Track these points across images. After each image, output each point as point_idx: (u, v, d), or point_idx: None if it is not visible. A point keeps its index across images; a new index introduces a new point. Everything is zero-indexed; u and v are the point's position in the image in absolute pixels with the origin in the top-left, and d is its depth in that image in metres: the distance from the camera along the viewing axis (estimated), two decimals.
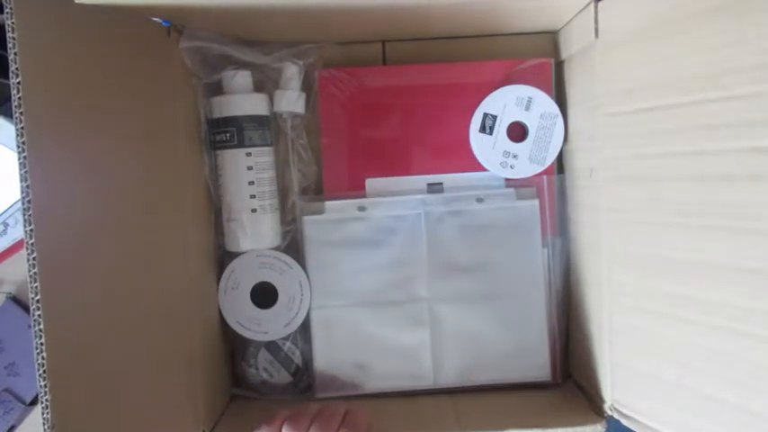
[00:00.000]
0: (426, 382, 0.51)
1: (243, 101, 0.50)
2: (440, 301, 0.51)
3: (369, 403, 0.50)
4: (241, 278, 0.51)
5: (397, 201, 0.51)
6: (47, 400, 0.29)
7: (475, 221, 0.50)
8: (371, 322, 0.51)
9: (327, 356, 0.51)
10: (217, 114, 0.50)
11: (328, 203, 0.51)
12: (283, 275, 0.51)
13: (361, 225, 0.51)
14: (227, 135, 0.49)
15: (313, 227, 0.51)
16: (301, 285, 0.51)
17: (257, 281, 0.51)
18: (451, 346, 0.51)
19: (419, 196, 0.51)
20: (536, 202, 0.51)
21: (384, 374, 0.51)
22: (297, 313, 0.51)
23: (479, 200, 0.51)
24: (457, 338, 0.51)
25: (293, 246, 0.53)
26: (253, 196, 0.50)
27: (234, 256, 0.51)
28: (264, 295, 0.51)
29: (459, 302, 0.51)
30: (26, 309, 0.59)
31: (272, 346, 0.52)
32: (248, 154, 0.50)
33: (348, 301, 0.51)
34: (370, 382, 0.51)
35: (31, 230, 0.28)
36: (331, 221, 0.51)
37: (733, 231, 0.31)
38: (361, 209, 0.51)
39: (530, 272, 0.51)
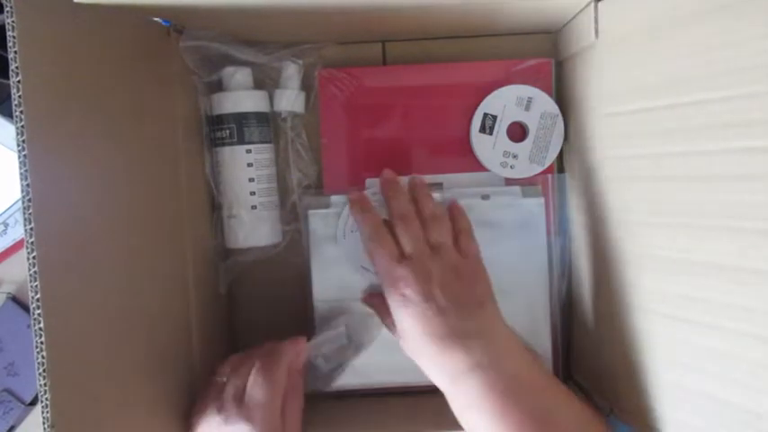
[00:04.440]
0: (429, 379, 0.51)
1: (243, 97, 0.50)
2: None
3: (370, 400, 0.50)
4: None
5: None
6: (47, 399, 0.29)
7: (480, 218, 0.50)
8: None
9: None
10: (216, 111, 0.50)
11: (334, 197, 0.50)
12: None
13: None
14: (227, 132, 0.49)
15: (318, 221, 0.50)
16: None
17: None
18: None
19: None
20: (542, 200, 0.50)
21: (387, 370, 0.51)
22: None
23: (485, 197, 0.50)
24: None
25: (293, 246, 0.52)
26: (252, 193, 0.50)
27: (234, 253, 0.51)
28: None
29: None
30: (26, 309, 0.59)
31: None
32: (248, 151, 0.50)
33: (352, 295, 0.51)
34: (373, 377, 0.51)
35: (32, 229, 0.28)
36: (336, 215, 0.50)
37: (733, 231, 0.31)
38: None
39: (534, 269, 0.51)
